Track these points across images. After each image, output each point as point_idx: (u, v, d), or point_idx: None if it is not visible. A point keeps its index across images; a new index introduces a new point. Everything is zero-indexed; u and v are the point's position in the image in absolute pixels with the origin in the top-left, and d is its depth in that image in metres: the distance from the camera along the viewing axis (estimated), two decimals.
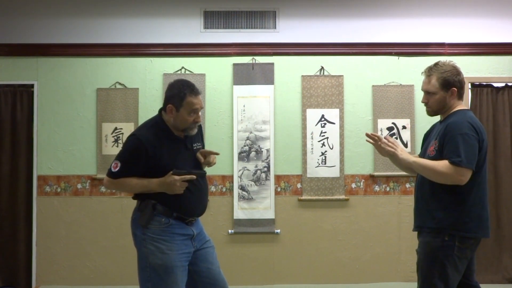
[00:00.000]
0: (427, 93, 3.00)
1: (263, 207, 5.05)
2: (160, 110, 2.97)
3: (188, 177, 2.80)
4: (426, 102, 3.02)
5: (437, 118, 3.10)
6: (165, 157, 2.83)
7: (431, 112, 3.04)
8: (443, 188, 2.83)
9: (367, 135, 3.14)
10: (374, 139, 3.11)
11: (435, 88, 2.95)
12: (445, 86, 2.94)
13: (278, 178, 5.09)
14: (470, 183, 2.80)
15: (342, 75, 5.13)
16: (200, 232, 2.97)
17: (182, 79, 2.98)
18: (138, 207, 2.89)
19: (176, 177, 2.78)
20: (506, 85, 5.19)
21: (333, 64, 5.15)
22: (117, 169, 2.82)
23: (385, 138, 3.09)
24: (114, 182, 2.87)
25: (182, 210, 2.86)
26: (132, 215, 2.93)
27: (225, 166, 5.05)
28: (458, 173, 2.76)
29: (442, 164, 2.78)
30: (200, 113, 2.93)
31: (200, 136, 3.10)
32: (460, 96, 2.97)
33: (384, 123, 5.06)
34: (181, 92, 2.86)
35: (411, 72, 5.11)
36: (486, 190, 2.91)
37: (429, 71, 3.00)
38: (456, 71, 2.96)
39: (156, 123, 2.93)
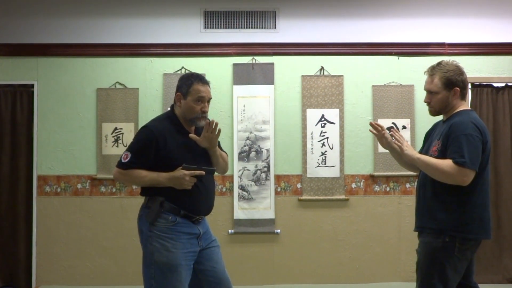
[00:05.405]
0: (430, 92, 2.98)
1: (263, 207, 5.05)
2: (173, 105, 2.99)
3: (197, 172, 2.81)
4: (428, 101, 3.01)
5: (438, 118, 3.10)
6: (175, 150, 2.85)
7: (433, 112, 3.03)
8: (445, 189, 2.82)
9: (371, 124, 3.12)
10: (378, 130, 3.09)
11: (438, 87, 2.94)
12: (447, 85, 2.93)
13: (278, 178, 5.10)
14: (473, 185, 2.79)
15: (342, 75, 5.13)
16: (206, 231, 2.98)
17: (193, 72, 3.02)
18: (146, 204, 2.90)
19: (186, 172, 2.79)
20: (506, 85, 5.19)
21: (333, 64, 5.15)
22: (127, 160, 2.83)
23: (391, 131, 3.07)
24: (123, 173, 2.87)
25: (189, 208, 2.86)
26: (139, 212, 2.93)
27: None
28: (461, 173, 2.75)
29: (446, 163, 2.77)
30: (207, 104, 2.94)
31: None
32: (463, 96, 2.96)
33: (384, 123, 4.99)
34: (188, 80, 2.92)
35: (411, 72, 5.11)
36: (488, 192, 2.90)
37: (432, 71, 2.98)
38: (459, 71, 2.95)
39: (168, 117, 2.96)
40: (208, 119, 2.98)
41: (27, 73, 5.10)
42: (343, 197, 5.08)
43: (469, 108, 3.05)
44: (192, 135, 2.93)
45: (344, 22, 5.20)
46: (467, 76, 3.04)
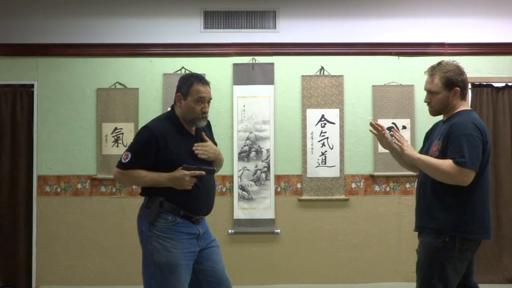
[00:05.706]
0: (430, 92, 2.98)
1: (263, 207, 5.05)
2: (173, 106, 2.99)
3: (197, 172, 2.82)
4: (428, 101, 3.00)
5: (438, 118, 3.09)
6: (175, 150, 2.85)
7: (433, 112, 3.03)
8: (445, 189, 2.82)
9: (371, 124, 3.12)
10: (378, 130, 3.08)
11: (438, 87, 2.94)
12: (448, 85, 2.93)
13: (278, 178, 5.10)
14: (473, 185, 2.79)
15: (342, 75, 5.13)
16: (206, 231, 2.98)
17: (193, 72, 3.02)
18: (146, 204, 2.90)
19: (186, 172, 2.79)
20: (506, 85, 5.20)
21: (333, 64, 5.15)
22: (127, 160, 2.84)
23: (391, 131, 3.06)
24: (123, 173, 2.87)
25: (189, 208, 2.86)
26: (139, 212, 2.94)
27: (225, 166, 4.97)
28: (461, 173, 2.74)
29: (447, 164, 2.77)
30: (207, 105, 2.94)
31: (210, 134, 3.12)
32: (463, 96, 2.96)
33: (384, 123, 4.98)
34: (189, 81, 2.92)
35: (411, 72, 5.11)
36: (488, 192, 2.90)
37: (432, 71, 2.98)
38: (459, 71, 2.95)
39: (168, 117, 2.96)
40: (208, 121, 2.99)
41: (27, 73, 5.10)
42: (343, 197, 5.08)
43: (469, 108, 3.05)
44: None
45: (344, 22, 5.20)
46: (467, 76, 3.04)
